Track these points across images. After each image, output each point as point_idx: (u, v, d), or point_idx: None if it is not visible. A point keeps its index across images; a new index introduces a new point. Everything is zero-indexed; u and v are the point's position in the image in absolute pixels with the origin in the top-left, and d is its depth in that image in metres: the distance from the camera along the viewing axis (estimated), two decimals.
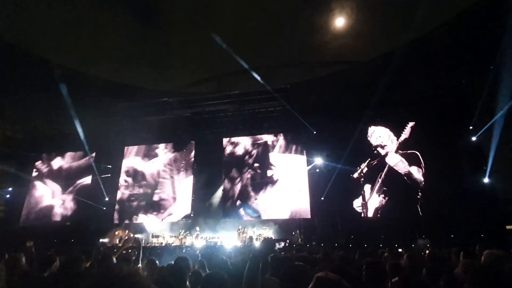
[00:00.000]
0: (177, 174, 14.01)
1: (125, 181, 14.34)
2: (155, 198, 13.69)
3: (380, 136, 12.16)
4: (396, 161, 11.59)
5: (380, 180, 11.57)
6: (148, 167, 14.36)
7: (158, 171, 14.21)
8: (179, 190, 13.69)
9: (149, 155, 14.57)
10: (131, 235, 12.42)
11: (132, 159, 14.64)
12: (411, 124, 11.78)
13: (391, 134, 12.05)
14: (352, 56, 12.64)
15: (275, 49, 13.10)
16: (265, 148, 13.41)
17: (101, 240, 12.12)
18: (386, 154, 11.87)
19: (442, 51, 10.26)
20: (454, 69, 10.81)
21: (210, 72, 14.08)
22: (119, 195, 14.09)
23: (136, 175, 14.34)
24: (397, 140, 11.83)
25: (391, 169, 11.61)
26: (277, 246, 10.33)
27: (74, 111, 10.75)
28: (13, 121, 13.70)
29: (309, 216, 11.91)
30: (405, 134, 11.72)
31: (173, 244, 11.64)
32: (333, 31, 12.03)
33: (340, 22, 11.71)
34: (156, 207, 13.54)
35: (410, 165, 11.42)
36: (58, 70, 9.36)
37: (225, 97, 12.32)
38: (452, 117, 11.29)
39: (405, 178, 11.33)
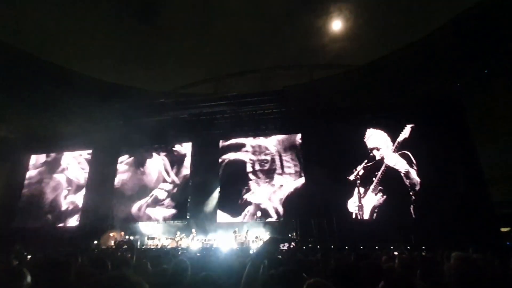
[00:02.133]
0: (173, 176, 13.93)
1: (121, 182, 14.23)
2: (151, 199, 13.58)
3: (376, 139, 12.22)
4: (396, 161, 11.65)
5: (376, 180, 11.62)
6: (144, 168, 14.26)
7: (154, 172, 14.12)
8: (175, 192, 13.61)
9: (145, 156, 14.48)
10: (127, 237, 12.31)
11: (127, 160, 14.54)
12: (410, 125, 11.86)
13: (388, 137, 12.11)
14: (349, 59, 12.69)
15: (273, 51, 13.11)
16: (262, 150, 13.40)
17: (95, 242, 11.99)
18: (382, 157, 11.92)
19: (439, 54, 10.34)
20: (451, 73, 10.90)
21: (208, 74, 14.05)
22: (114, 196, 13.97)
23: (132, 176, 14.24)
24: (396, 140, 11.89)
25: (388, 168, 11.67)
26: (281, 246, 10.22)
27: (69, 111, 10.67)
28: (7, 121, 13.55)
29: (305, 218, 11.88)
30: (405, 134, 11.78)
31: (169, 246, 11.55)
32: (331, 34, 12.09)
33: (338, 25, 11.77)
34: (152, 208, 13.44)
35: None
36: (53, 70, 9.30)
37: (222, 99, 12.32)
38: (448, 120, 11.39)
39: (404, 177, 11.38)
